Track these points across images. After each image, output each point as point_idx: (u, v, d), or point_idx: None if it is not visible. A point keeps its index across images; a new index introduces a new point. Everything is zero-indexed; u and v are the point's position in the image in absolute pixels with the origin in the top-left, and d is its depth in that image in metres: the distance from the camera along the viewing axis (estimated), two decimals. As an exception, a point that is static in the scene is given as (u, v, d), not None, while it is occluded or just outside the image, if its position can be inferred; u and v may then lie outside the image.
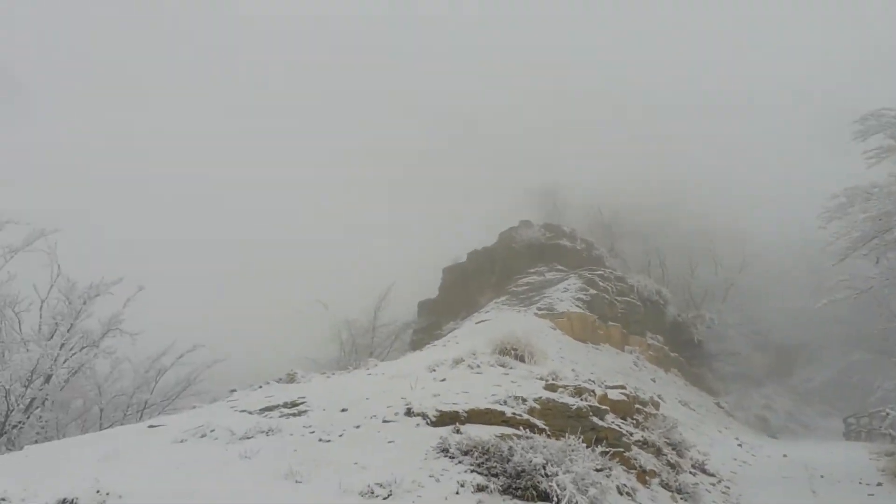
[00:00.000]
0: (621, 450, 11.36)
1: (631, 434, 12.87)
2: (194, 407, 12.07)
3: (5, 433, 15.21)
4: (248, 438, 8.72)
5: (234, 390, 12.74)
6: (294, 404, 10.79)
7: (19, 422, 15.70)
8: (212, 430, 8.97)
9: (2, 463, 8.38)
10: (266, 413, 10.29)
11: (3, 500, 6.47)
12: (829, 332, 35.29)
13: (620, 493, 9.97)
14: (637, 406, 15.18)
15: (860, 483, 15.15)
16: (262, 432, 8.97)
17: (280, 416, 10.05)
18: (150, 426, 9.72)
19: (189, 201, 65.23)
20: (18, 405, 15.57)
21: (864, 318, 29.05)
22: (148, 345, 19.54)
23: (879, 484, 15.03)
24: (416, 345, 32.14)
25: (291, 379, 13.88)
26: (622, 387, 15.49)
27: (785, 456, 20.48)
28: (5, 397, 15.35)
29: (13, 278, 17.99)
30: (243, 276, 55.46)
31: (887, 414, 24.07)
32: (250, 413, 10.26)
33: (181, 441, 8.70)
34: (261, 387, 12.91)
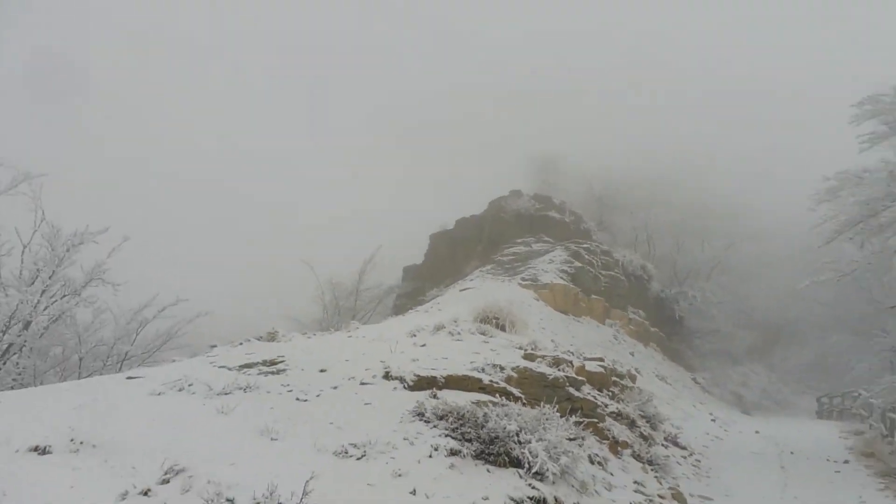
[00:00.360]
0: (595, 420, 11.57)
1: (606, 405, 13.06)
2: (174, 360, 12.10)
3: (-23, 378, 15.14)
4: (226, 394, 8.77)
5: (214, 346, 12.76)
6: (273, 363, 10.84)
7: (-7, 366, 15.56)
8: (190, 385, 9.01)
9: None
10: (245, 370, 10.34)
11: None
12: (810, 313, 35.76)
13: (592, 463, 10.16)
14: (614, 378, 15.39)
15: (828, 460, 15.52)
16: (240, 389, 9.02)
17: (259, 374, 10.10)
18: (129, 377, 9.73)
19: (184, 163, 65.39)
20: (-6, 350, 15.41)
21: (845, 301, 29.43)
22: (131, 296, 19.46)
23: (846, 461, 15.40)
24: (399, 310, 32.27)
25: (272, 337, 13.91)
26: (600, 359, 15.67)
27: (757, 432, 20.92)
28: (-19, 341, 15.20)
29: (-6, 222, 17.69)
30: (232, 234, 55.63)
31: (859, 395, 24.49)
32: (229, 369, 10.30)
33: (159, 394, 8.73)
34: (241, 344, 12.93)
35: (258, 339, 13.61)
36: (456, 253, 39.13)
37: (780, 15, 68.63)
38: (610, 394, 14.28)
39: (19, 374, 15.98)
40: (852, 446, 17.92)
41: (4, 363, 15.68)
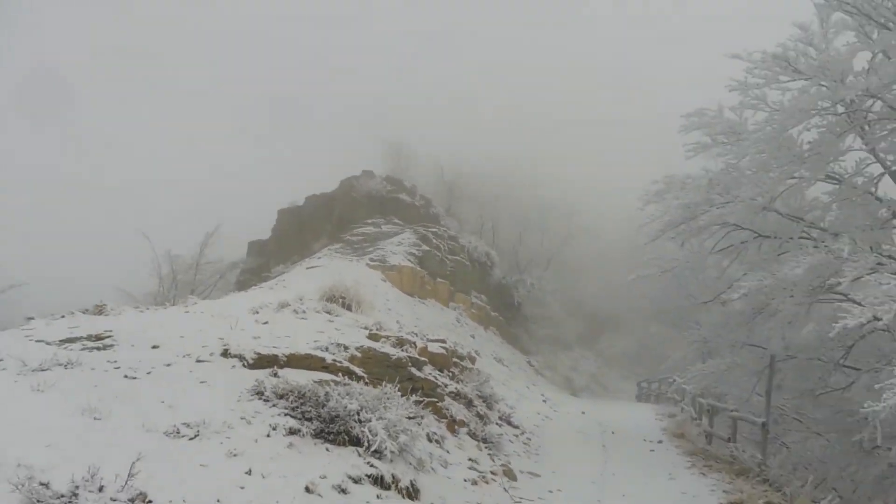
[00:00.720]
0: (435, 400, 11.89)
1: (446, 385, 13.45)
2: (-20, 335, 10.89)
3: None
4: (43, 370, 8.03)
5: (31, 318, 11.59)
6: (100, 337, 10.08)
7: None
8: (0, 360, 8.18)
9: None
10: (66, 345, 9.53)
11: None
12: (635, 304, 38.67)
13: (430, 440, 10.44)
14: (455, 360, 15.86)
15: (644, 440, 16.98)
16: (60, 365, 8.30)
17: (82, 349, 9.36)
18: (-78, 353, 8.66)
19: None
20: None
21: (664, 295, 32.13)
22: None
23: (660, 441, 16.92)
24: (243, 286, 31.14)
25: (100, 311, 12.93)
26: (443, 341, 16.09)
27: (583, 413, 22.44)
28: None
29: None
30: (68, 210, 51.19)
31: (673, 381, 26.99)
32: (48, 344, 9.45)
33: (-39, 370, 7.86)
34: (63, 317, 11.87)
35: (83, 313, 12.57)
36: (304, 230, 38.38)
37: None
38: (450, 374, 14.71)
39: None
40: (666, 427, 19.70)
41: None
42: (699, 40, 56.03)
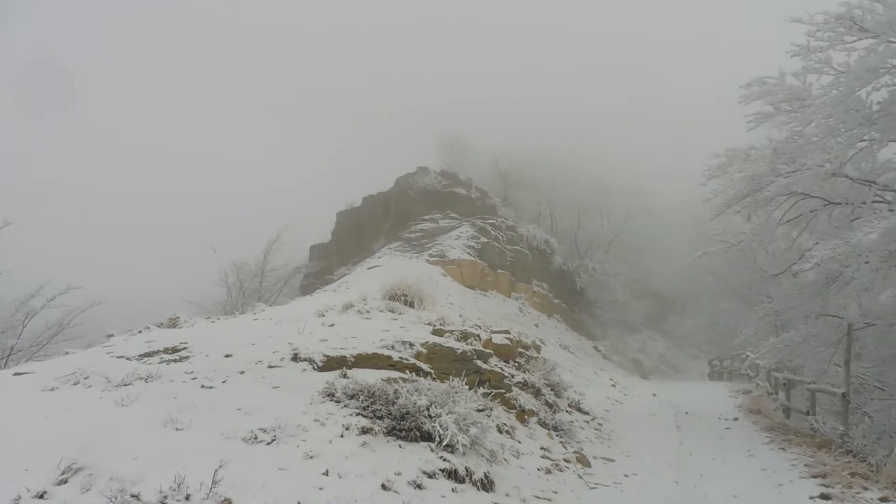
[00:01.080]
0: (503, 391, 11.90)
1: (512, 376, 13.45)
2: (67, 353, 11.45)
3: None
4: (126, 385, 8.41)
5: (111, 335, 12.16)
6: (176, 350, 10.48)
7: None
8: (85, 377, 8.59)
9: None
10: (145, 359, 9.95)
11: None
12: (702, 282, 37.84)
13: (500, 432, 10.46)
14: (520, 349, 15.83)
15: (719, 418, 16.61)
16: (141, 379, 8.68)
17: (160, 362, 9.75)
18: (16, 374, 9.18)
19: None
20: None
21: (732, 271, 31.34)
22: (15, 286, 18.22)
23: (736, 419, 16.54)
24: (307, 290, 31.80)
25: (174, 324, 13.43)
26: (506, 331, 16.08)
27: (654, 395, 22.10)
28: None
29: None
30: (131, 222, 53.34)
31: (746, 356, 26.31)
32: (128, 359, 9.87)
33: (51, 389, 8.27)
34: (140, 331, 12.40)
35: (159, 326, 13.10)
36: (363, 231, 38.94)
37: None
38: (516, 364, 14.70)
39: None
40: (741, 404, 19.24)
41: None
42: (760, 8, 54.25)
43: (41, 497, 5.52)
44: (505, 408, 11.67)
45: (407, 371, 10.13)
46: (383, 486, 6.84)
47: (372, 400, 8.59)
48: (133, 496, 5.63)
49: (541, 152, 46.38)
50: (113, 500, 5.47)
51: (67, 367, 9.11)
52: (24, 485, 5.58)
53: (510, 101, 52.45)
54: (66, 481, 5.78)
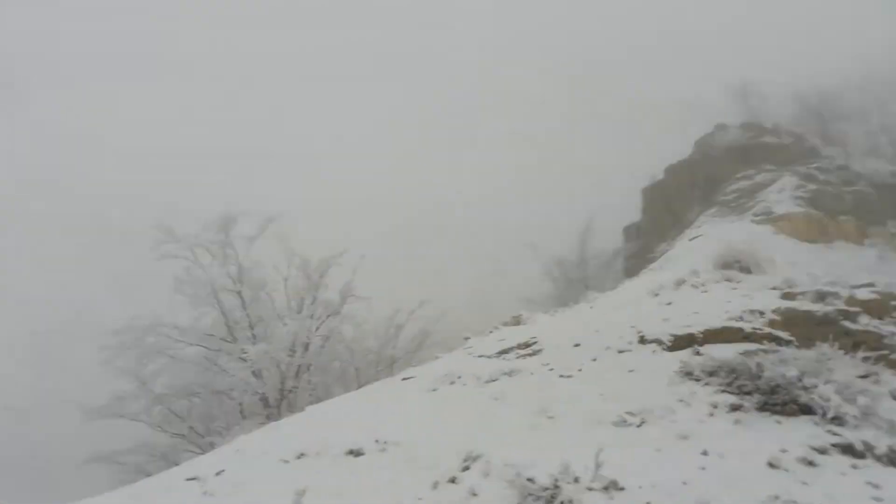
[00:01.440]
0: (886, 352, 10.42)
1: (893, 335, 11.71)
2: (437, 357, 12.96)
3: (285, 398, 17.65)
4: (493, 381, 9.25)
5: (468, 337, 13.47)
6: (527, 345, 11.21)
7: (293, 386, 18.06)
8: (459, 377, 9.63)
9: (292, 422, 9.69)
10: (503, 356, 10.81)
11: (303, 454, 7.49)
12: None
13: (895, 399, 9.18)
14: (894, 303, 13.73)
15: None
16: (505, 374, 9.46)
17: (517, 357, 10.51)
18: (404, 379, 10.65)
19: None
20: (289, 372, 17.91)
21: None
22: (382, 306, 21.30)
23: None
24: (630, 272, 31.55)
25: (517, 321, 14.35)
26: (871, 284, 14.07)
27: None
28: (278, 366, 17.72)
29: (257, 265, 20.16)
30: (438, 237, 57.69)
31: None
32: (488, 357, 10.83)
33: (433, 389, 9.44)
34: (491, 332, 13.52)
35: (504, 325, 14.13)
36: (673, 202, 37.51)
37: None
38: (894, 321, 12.78)
39: (314, 390, 18.33)
40: None
41: (300, 382, 18.09)
42: None
43: (453, 482, 6.35)
44: (893, 371, 10.21)
45: (763, 342, 9.52)
46: (770, 465, 6.46)
47: (734, 375, 8.19)
48: (529, 480, 6.14)
49: (856, 73, 39.62)
50: (512, 483, 6.03)
51: (441, 369, 10.34)
52: (437, 472, 6.47)
53: (798, 32, 45.85)
54: (468, 468, 6.57)
